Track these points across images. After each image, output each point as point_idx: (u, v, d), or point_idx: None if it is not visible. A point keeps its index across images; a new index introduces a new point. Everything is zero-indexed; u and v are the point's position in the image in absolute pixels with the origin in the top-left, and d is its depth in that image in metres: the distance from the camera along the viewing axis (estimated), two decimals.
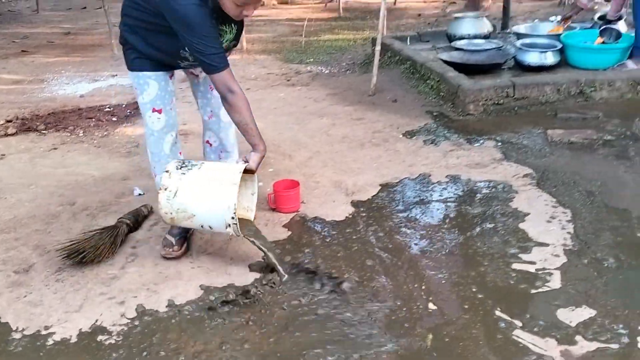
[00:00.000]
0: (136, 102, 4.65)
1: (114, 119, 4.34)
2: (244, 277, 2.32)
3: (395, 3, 9.36)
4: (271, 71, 5.70)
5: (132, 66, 2.39)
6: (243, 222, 2.36)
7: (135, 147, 3.71)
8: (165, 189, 2.25)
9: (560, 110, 3.92)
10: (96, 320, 2.11)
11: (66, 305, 2.20)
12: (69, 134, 4.03)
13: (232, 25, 2.29)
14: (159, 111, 2.44)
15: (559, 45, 4.52)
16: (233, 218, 2.18)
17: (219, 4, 2.13)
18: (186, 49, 2.23)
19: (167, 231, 2.55)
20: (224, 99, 2.24)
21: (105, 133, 4.04)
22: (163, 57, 2.35)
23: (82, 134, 4.02)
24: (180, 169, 2.28)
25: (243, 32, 2.46)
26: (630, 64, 4.34)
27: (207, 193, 2.22)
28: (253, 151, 2.32)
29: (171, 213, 2.26)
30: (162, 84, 2.42)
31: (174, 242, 2.49)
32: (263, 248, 2.31)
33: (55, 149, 3.76)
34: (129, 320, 2.10)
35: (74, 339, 2.03)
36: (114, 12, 7.36)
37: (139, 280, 2.33)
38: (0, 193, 3.11)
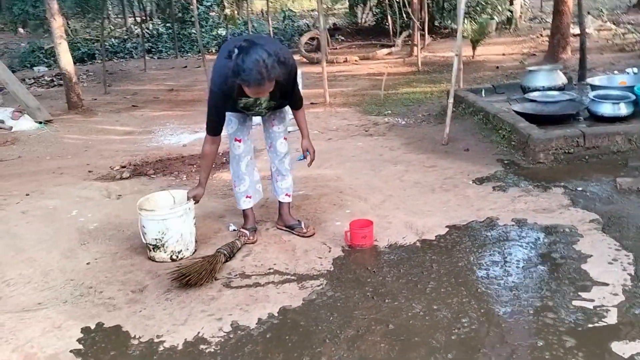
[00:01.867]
0: None
1: (212, 165, 4.88)
2: None
3: (473, 56, 9.66)
4: (351, 122, 6.13)
5: None
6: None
7: (230, 190, 4.18)
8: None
9: (632, 160, 4.01)
10: (198, 332, 2.49)
11: (174, 319, 2.61)
12: (174, 178, 4.61)
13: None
14: (239, 140, 3.27)
15: (633, 97, 4.62)
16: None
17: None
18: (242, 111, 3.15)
19: (241, 230, 3.37)
20: (202, 148, 3.13)
21: None
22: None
23: (185, 178, 4.59)
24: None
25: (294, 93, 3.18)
26: None
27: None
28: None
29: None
30: (241, 120, 3.24)
31: (248, 234, 3.29)
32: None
33: (163, 190, 4.32)
34: (225, 334, 2.47)
35: (180, 347, 2.41)
36: None
37: (233, 301, 2.72)
38: (119, 227, 3.66)
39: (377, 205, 3.70)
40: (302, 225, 3.36)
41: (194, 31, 14.18)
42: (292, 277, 2.89)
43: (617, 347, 2.18)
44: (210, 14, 16.10)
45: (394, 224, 3.40)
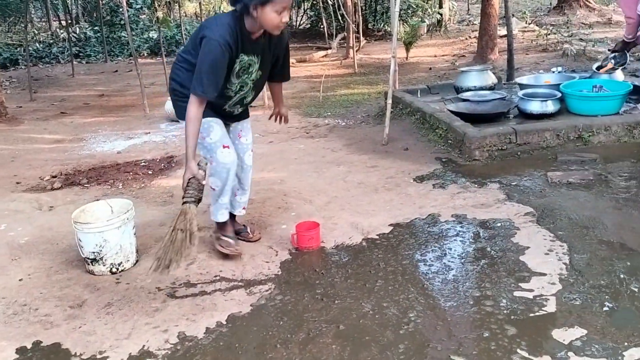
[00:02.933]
0: (169, 157, 5.10)
1: (150, 172, 4.75)
2: None
3: (407, 58, 9.88)
4: (291, 125, 6.10)
5: None
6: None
7: (170, 197, 4.08)
8: None
9: (560, 154, 4.22)
10: (143, 346, 2.40)
11: (116, 333, 2.50)
12: (109, 187, 4.44)
13: (257, 56, 2.81)
14: (228, 147, 2.92)
15: (559, 94, 4.86)
16: None
17: (249, 37, 2.68)
18: (228, 85, 2.80)
19: (218, 236, 3.12)
20: (188, 112, 2.70)
21: (142, 185, 4.44)
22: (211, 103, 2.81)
23: (121, 187, 4.42)
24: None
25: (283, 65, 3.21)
26: None
27: None
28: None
29: None
30: (222, 125, 2.94)
31: (232, 243, 3.06)
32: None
33: (97, 200, 4.15)
34: (172, 345, 2.39)
35: None
36: (145, 75, 7.97)
37: (179, 311, 2.63)
38: (53, 240, 3.48)
39: (322, 207, 3.70)
40: (248, 230, 3.31)
41: (124, 34, 13.76)
42: (240, 283, 2.84)
43: (557, 334, 2.27)
44: (141, 16, 15.66)
45: (340, 224, 3.42)
